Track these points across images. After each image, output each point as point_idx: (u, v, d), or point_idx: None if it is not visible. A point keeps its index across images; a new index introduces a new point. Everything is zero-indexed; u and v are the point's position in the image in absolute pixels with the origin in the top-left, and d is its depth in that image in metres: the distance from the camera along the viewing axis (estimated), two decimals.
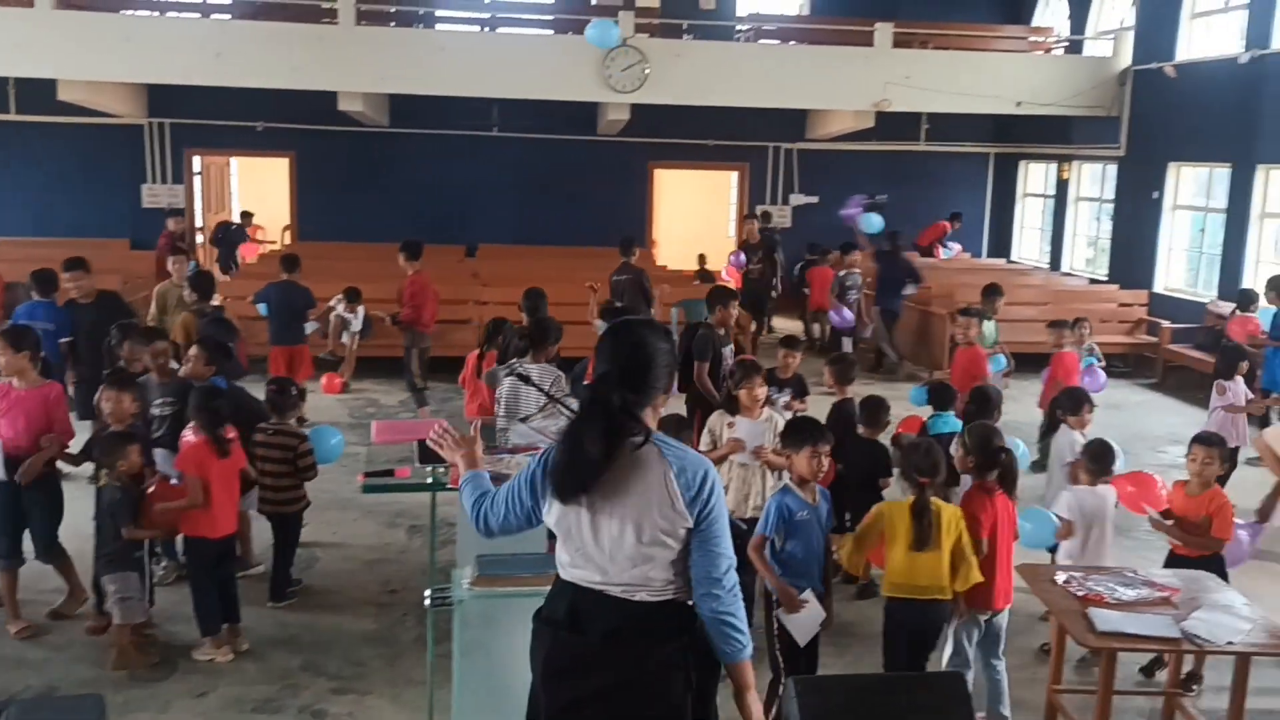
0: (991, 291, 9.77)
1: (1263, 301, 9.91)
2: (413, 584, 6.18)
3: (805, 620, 4.37)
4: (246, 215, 16.76)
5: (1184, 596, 4.12)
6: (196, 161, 16.69)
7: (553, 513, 2.85)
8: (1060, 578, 4.30)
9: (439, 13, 15.57)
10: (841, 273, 12.91)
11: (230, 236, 15.84)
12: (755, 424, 5.51)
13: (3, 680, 5.07)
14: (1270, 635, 3.86)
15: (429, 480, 4.07)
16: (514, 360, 5.78)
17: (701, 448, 5.50)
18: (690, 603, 2.81)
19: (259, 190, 18.77)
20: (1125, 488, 5.46)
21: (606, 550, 2.77)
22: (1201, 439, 5.16)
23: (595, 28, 11.02)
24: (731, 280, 13.42)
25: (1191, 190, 14.15)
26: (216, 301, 8.85)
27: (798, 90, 14.78)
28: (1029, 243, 18.18)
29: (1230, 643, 3.79)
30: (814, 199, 17.53)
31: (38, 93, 14.47)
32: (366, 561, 6.62)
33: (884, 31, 14.61)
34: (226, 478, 5.33)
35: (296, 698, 5.01)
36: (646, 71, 13.86)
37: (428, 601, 3.94)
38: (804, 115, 17.03)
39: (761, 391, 5.60)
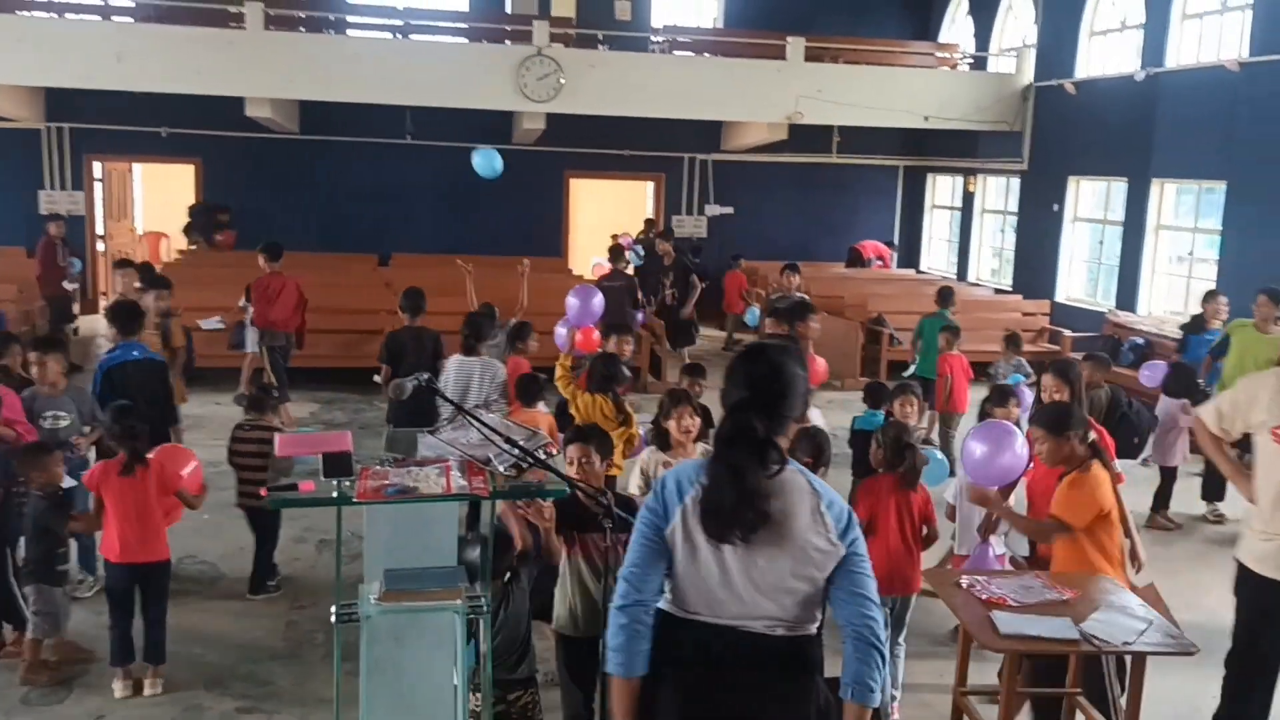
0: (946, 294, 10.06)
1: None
2: (322, 599, 6.08)
3: None
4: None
5: (1083, 598, 4.22)
6: (97, 167, 16.18)
7: (687, 555, 2.66)
8: (964, 581, 4.39)
9: (350, 19, 15.36)
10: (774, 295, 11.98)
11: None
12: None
13: None
14: (1166, 635, 3.98)
15: (334, 494, 3.97)
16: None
17: (632, 489, 5.11)
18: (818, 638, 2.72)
19: (163, 197, 18.27)
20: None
21: (752, 586, 2.62)
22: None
23: (481, 155, 10.75)
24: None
25: (1091, 203, 14.62)
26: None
27: (712, 102, 14.92)
28: (937, 253, 18.60)
29: (1126, 643, 3.90)
30: (729, 209, 17.71)
31: None
32: (277, 577, 6.48)
33: (796, 45, 14.83)
34: (141, 496, 5.07)
35: (202, 718, 4.88)
36: (561, 81, 13.86)
37: (334, 618, 3.85)
38: (719, 126, 17.19)
39: (692, 423, 5.11)
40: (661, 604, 2.72)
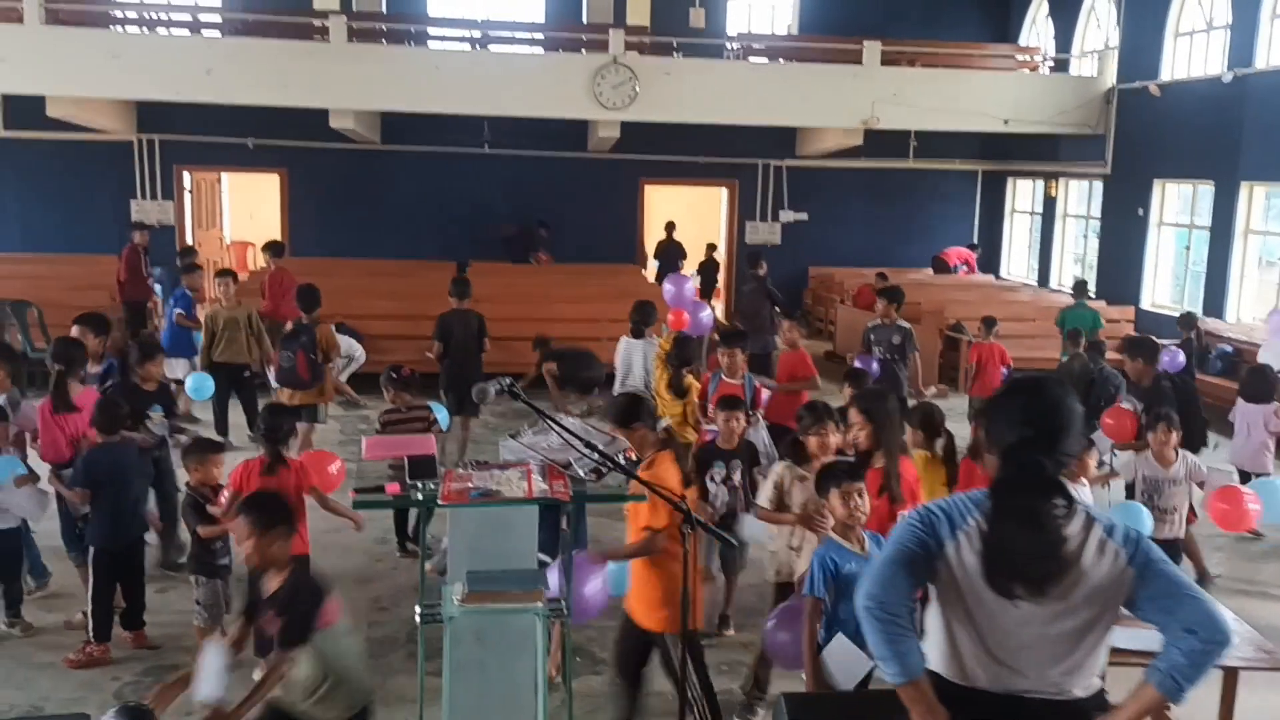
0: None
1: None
2: (403, 601, 6.17)
3: (846, 665, 3.92)
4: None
5: None
6: (187, 178, 16.68)
7: (961, 608, 2.45)
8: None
9: (431, 31, 15.63)
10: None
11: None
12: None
13: None
14: (1257, 649, 3.88)
15: (419, 496, 4.06)
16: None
17: (763, 501, 5.01)
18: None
19: (250, 207, 18.80)
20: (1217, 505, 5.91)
21: (1045, 644, 2.42)
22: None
23: None
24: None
25: (1176, 207, 14.26)
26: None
27: (787, 108, 14.87)
28: (1017, 259, 18.29)
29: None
30: (803, 215, 17.62)
31: (27, 109, 14.47)
32: (357, 579, 6.59)
33: (872, 50, 14.72)
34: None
35: None
36: (637, 89, 13.93)
37: (418, 618, 3.94)
38: (793, 132, 17.12)
39: (834, 440, 4.93)
40: (931, 665, 2.51)
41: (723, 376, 6.96)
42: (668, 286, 9.29)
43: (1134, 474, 5.99)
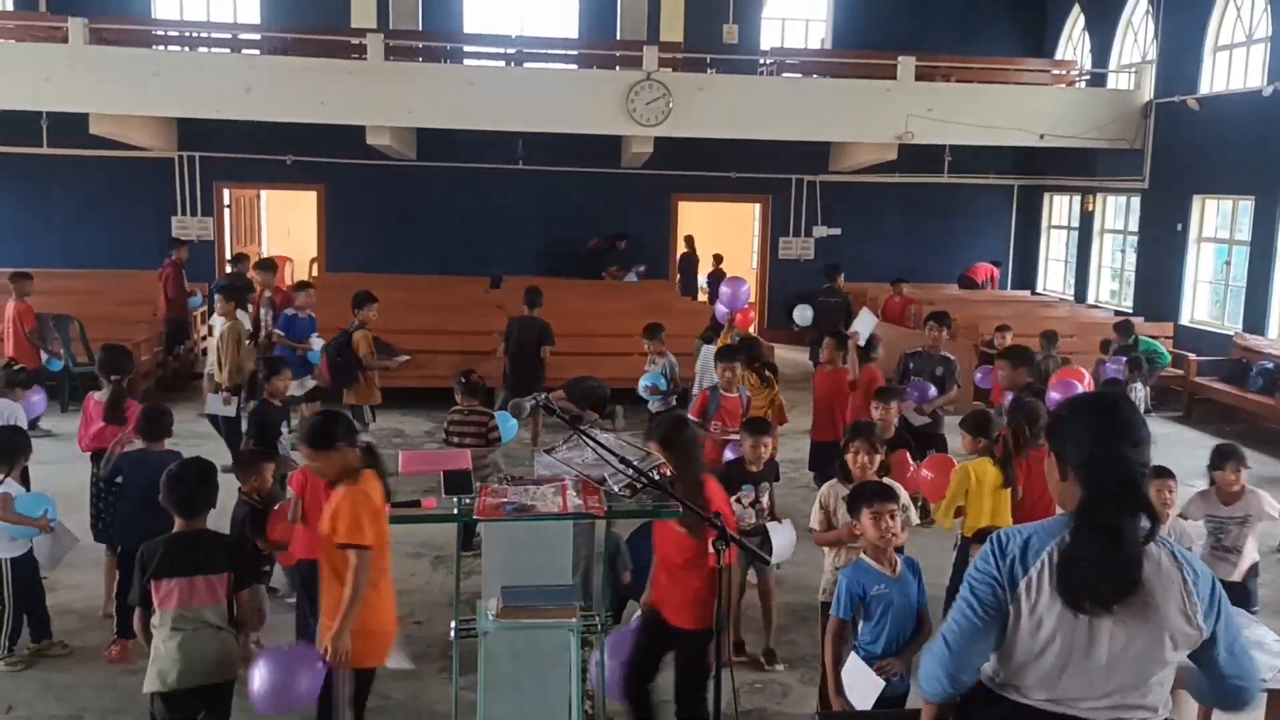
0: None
1: None
2: (436, 616, 6.20)
3: (861, 687, 3.94)
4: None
5: None
6: (226, 194, 16.90)
7: (1030, 627, 2.40)
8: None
9: (466, 48, 15.76)
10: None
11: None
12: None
13: (31, 708, 5.10)
14: None
15: (455, 511, 4.08)
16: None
17: (813, 524, 5.10)
18: None
19: (288, 223, 19.00)
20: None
21: (1107, 662, 2.36)
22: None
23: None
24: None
25: (1215, 222, 14.09)
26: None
27: (820, 123, 14.86)
28: (1054, 274, 18.13)
29: (1264, 679, 3.75)
30: (836, 231, 17.58)
31: (70, 126, 14.70)
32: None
33: (906, 65, 14.68)
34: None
35: None
36: (670, 105, 13.97)
37: (453, 633, 3.95)
38: (827, 147, 17.10)
39: (869, 460, 5.02)
40: (986, 678, 2.49)
41: (722, 391, 7.09)
42: (724, 290, 9.48)
43: (1200, 513, 5.64)
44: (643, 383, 8.48)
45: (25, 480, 6.10)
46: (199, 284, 14.06)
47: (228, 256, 16.82)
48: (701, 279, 18.10)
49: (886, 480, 4.95)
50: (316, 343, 9.76)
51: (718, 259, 17.74)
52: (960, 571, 5.46)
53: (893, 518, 4.04)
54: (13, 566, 5.59)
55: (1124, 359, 9.77)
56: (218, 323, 9.58)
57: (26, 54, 13.59)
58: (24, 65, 13.37)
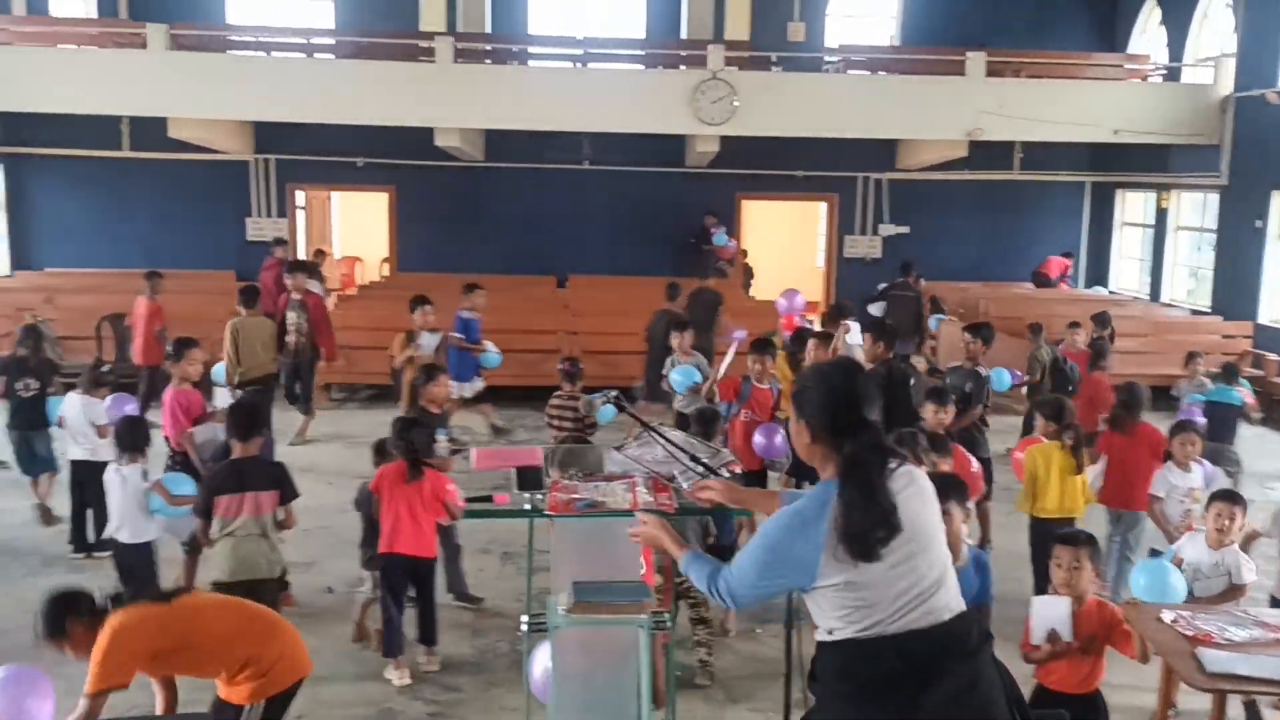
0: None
1: None
2: (506, 610, 6.29)
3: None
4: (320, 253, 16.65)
5: None
6: (300, 196, 17.24)
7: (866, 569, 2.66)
8: (1168, 616, 4.20)
9: (532, 50, 15.90)
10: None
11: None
12: None
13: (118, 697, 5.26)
14: None
15: (527, 507, 4.14)
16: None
17: None
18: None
19: (359, 223, 19.33)
20: None
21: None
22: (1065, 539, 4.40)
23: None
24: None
25: None
26: None
27: (888, 120, 14.72)
28: (1128, 273, 17.76)
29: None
30: (904, 229, 17.41)
31: (150, 131, 15.13)
32: None
33: (976, 60, 14.49)
34: (414, 502, 5.46)
35: None
36: (736, 103, 13.94)
37: (524, 627, 4.00)
38: (894, 145, 16.95)
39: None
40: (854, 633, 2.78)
41: (754, 382, 7.32)
42: (781, 302, 10.56)
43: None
44: (674, 376, 8.31)
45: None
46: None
47: (300, 257, 17.23)
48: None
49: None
50: (490, 345, 9.96)
51: (743, 254, 17.52)
52: (1039, 552, 5.87)
53: (950, 514, 4.04)
54: (150, 549, 5.92)
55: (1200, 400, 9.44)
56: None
57: (108, 60, 13.99)
58: (106, 71, 13.76)
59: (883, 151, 16.94)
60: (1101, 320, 10.94)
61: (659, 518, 3.26)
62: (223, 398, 8.50)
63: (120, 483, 5.85)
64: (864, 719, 2.67)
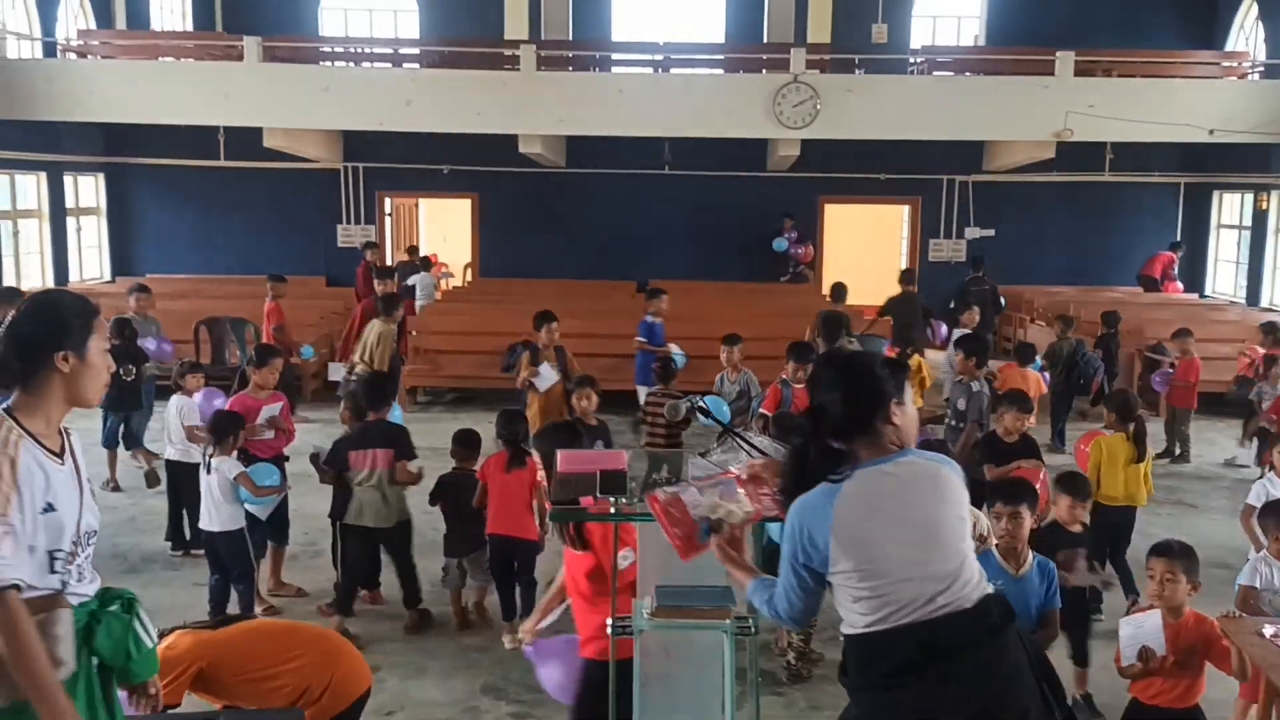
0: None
1: None
2: None
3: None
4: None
5: None
6: (388, 203, 17.61)
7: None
8: (1269, 630, 4.09)
9: (614, 56, 16.01)
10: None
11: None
12: None
13: None
14: None
15: (611, 510, 4.18)
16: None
17: None
18: None
19: (443, 229, 19.66)
20: None
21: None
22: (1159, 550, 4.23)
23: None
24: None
25: None
26: None
27: (974, 122, 14.49)
28: (1224, 276, 17.24)
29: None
30: (990, 232, 17.14)
31: (245, 141, 15.59)
32: (544, 589, 6.81)
33: (1065, 60, 14.19)
34: (515, 488, 5.98)
35: None
36: (818, 107, 13.86)
37: (609, 630, 4.04)
38: (980, 147, 16.70)
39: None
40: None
41: (793, 384, 7.28)
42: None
43: None
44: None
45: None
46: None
47: (389, 261, 17.59)
48: None
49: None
50: (675, 348, 10.01)
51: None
52: (1101, 535, 6.04)
53: (1016, 519, 4.08)
54: (242, 537, 6.13)
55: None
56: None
57: (206, 73, 14.47)
58: (203, 83, 14.22)
59: (968, 153, 16.69)
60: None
61: (727, 546, 3.31)
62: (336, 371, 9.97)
63: (211, 473, 6.06)
64: (891, 707, 2.75)
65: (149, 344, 9.33)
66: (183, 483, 7.19)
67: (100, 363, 2.75)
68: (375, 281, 10.94)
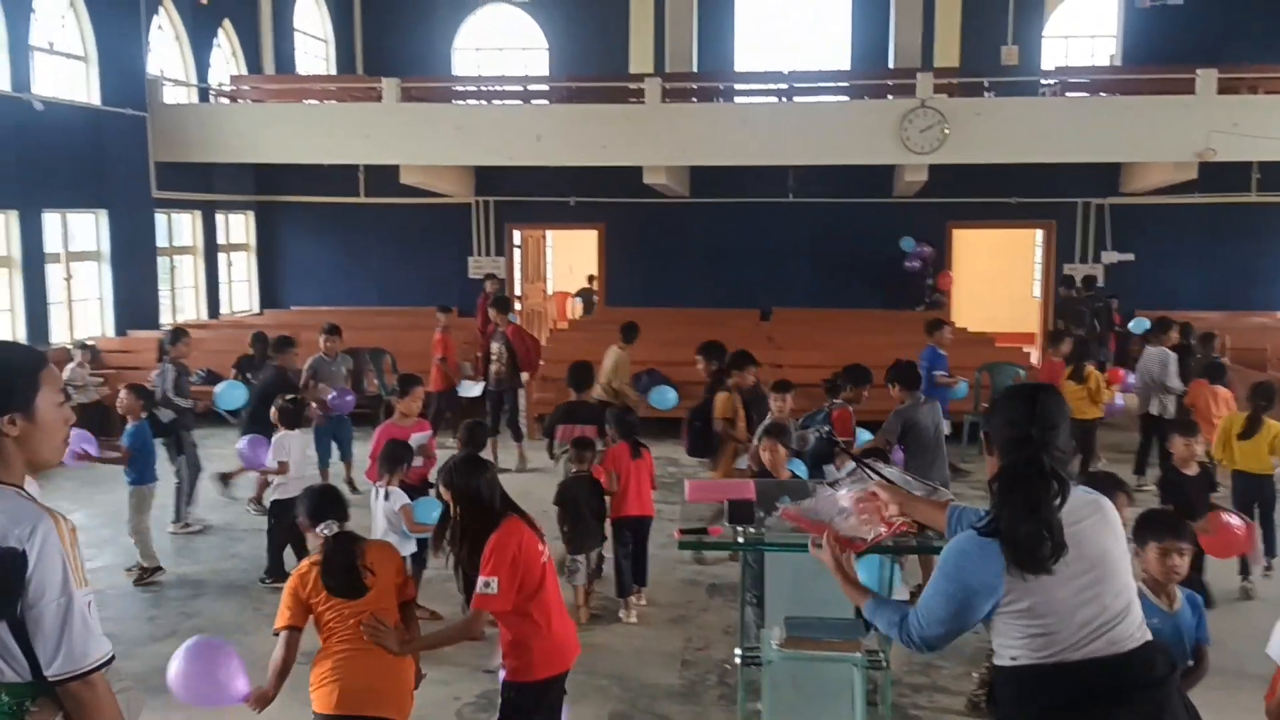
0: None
1: None
2: (714, 642, 6.36)
3: None
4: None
5: None
6: (517, 235, 18.07)
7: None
8: None
9: (739, 86, 16.12)
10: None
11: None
12: None
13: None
14: None
15: (740, 540, 4.24)
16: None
17: None
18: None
19: (569, 259, 20.05)
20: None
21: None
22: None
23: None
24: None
25: None
26: None
27: (1110, 143, 14.09)
28: None
29: None
30: (1129, 256, 16.57)
31: (383, 178, 16.25)
32: (669, 618, 6.86)
33: (1207, 78, 13.69)
34: (640, 473, 6.96)
35: None
36: (946, 131, 13.70)
37: (738, 659, 4.10)
38: (1117, 168, 16.19)
39: None
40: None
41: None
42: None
43: None
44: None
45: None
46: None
47: (518, 292, 18.06)
48: None
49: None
50: (960, 379, 10.14)
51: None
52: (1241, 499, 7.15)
53: (1181, 556, 3.89)
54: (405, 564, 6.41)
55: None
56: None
57: (348, 114, 15.16)
58: (346, 124, 14.91)
59: (1104, 175, 16.21)
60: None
61: (842, 559, 3.25)
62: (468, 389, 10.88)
63: (380, 500, 6.31)
64: None
65: (331, 397, 9.41)
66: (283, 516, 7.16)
67: (53, 418, 2.46)
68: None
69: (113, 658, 2.36)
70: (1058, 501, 2.67)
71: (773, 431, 6.28)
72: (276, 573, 7.34)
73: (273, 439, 7.54)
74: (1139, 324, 12.94)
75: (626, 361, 10.05)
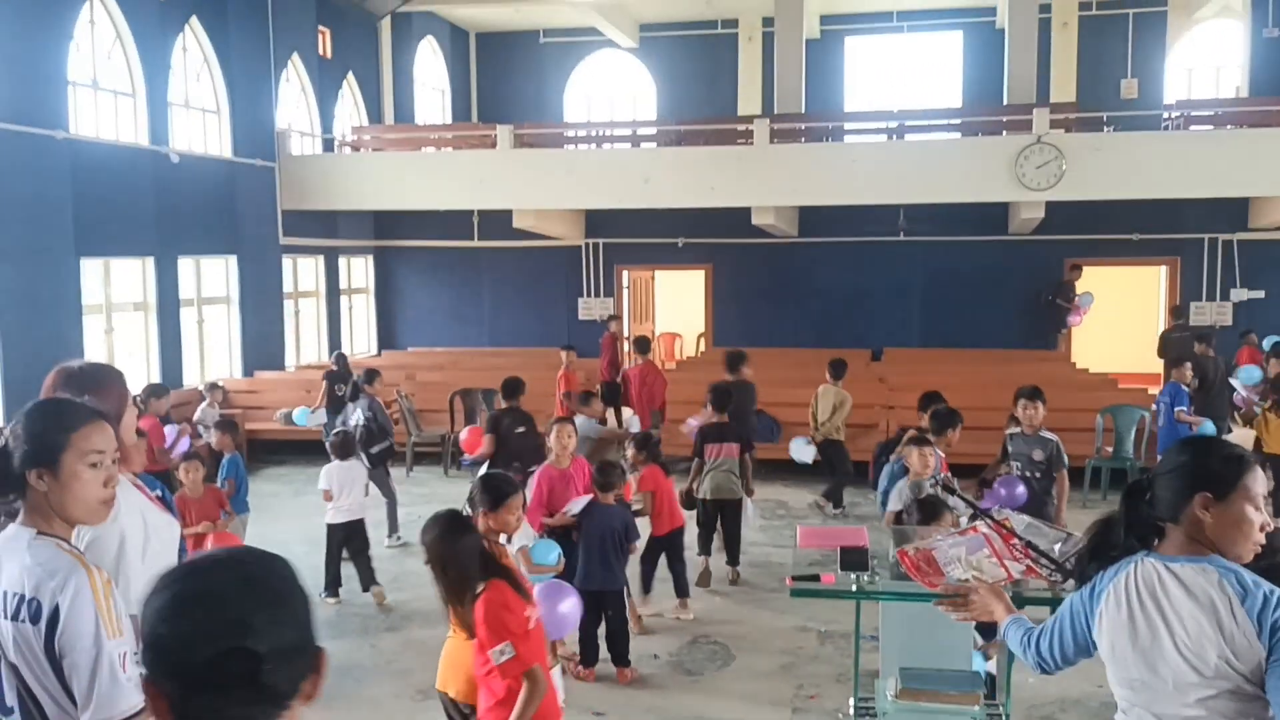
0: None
1: None
2: (825, 689, 6.26)
3: None
4: None
5: None
6: (625, 276, 18.26)
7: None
8: None
9: (848, 126, 16.06)
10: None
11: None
12: None
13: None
14: None
15: (853, 588, 4.18)
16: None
17: None
18: None
19: (678, 300, 20.14)
20: None
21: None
22: None
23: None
24: None
25: None
26: None
27: (1238, 177, 13.59)
28: None
29: None
30: (1259, 293, 15.90)
31: (495, 222, 16.63)
32: (780, 664, 6.79)
33: None
34: (670, 493, 7.66)
35: None
36: (1063, 167, 13.40)
37: (851, 709, 4.03)
38: (1245, 203, 15.59)
39: None
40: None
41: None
42: None
43: None
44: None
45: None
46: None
47: (626, 334, 18.19)
48: None
49: None
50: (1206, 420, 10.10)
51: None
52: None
53: None
54: None
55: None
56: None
57: (463, 160, 15.60)
58: (460, 171, 15.35)
59: (1232, 210, 15.61)
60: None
61: (990, 584, 3.21)
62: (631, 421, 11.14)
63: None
64: None
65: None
66: (339, 539, 8.09)
67: (80, 478, 2.45)
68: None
69: (143, 709, 2.30)
70: None
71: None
72: (332, 588, 8.03)
73: (322, 469, 8.22)
74: (1249, 374, 11.97)
75: (848, 400, 10.53)
